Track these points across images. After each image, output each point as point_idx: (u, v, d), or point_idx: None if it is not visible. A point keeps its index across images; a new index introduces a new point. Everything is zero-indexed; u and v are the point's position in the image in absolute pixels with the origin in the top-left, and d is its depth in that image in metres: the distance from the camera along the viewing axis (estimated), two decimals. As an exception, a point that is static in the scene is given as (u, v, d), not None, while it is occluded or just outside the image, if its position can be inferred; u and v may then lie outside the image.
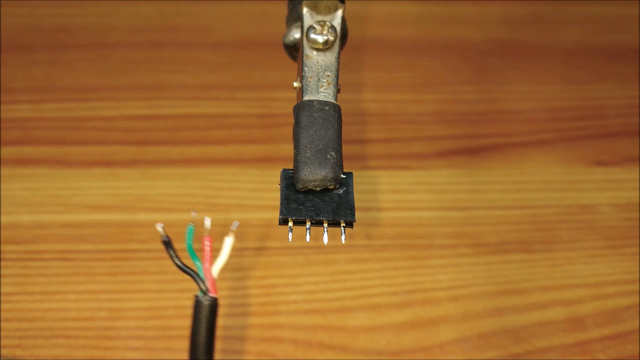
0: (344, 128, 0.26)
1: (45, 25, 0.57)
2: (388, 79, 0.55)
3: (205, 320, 0.20)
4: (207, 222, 0.20)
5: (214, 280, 0.20)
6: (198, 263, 0.20)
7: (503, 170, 0.49)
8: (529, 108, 0.54)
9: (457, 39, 0.59)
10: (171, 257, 0.20)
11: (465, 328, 0.41)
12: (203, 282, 0.20)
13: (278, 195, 0.26)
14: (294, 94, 0.31)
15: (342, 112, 0.26)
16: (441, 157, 0.50)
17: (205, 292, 0.20)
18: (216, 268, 0.20)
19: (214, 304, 0.20)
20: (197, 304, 0.20)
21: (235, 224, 0.21)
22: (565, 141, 0.52)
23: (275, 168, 0.48)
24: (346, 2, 0.27)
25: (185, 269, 0.20)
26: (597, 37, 0.60)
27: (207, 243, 0.20)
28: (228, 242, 0.20)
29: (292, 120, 0.27)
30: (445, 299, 0.42)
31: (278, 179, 0.47)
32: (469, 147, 0.51)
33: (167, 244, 0.21)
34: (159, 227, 0.21)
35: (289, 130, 0.50)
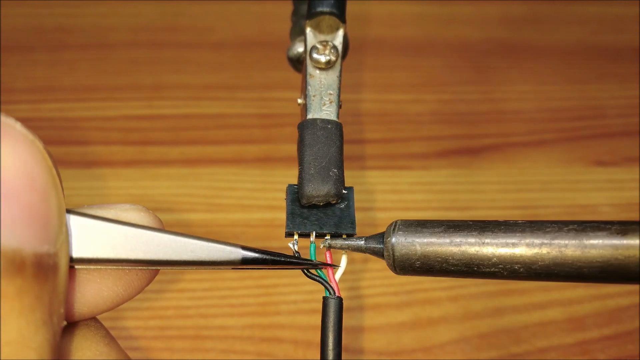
0: (345, 128, 0.27)
1: (45, 25, 0.57)
2: (388, 79, 0.55)
3: (334, 316, 0.24)
4: (328, 241, 0.25)
5: (337, 284, 0.25)
6: (321, 272, 0.24)
7: (503, 170, 0.49)
8: (529, 108, 0.54)
9: (457, 39, 0.59)
10: (302, 269, 0.24)
11: (465, 328, 0.41)
12: (330, 286, 0.24)
13: (278, 194, 0.26)
14: (294, 94, 0.31)
15: (341, 112, 0.27)
16: (441, 157, 0.50)
17: (332, 294, 0.24)
18: (337, 275, 0.25)
19: (340, 302, 0.24)
20: (327, 303, 0.24)
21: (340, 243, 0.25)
22: (565, 141, 0.52)
23: (275, 168, 0.48)
24: (349, 2, 0.28)
25: (314, 278, 0.24)
26: (597, 37, 0.60)
27: (327, 255, 0.25)
28: (344, 257, 0.25)
29: (292, 120, 0.28)
30: (445, 299, 0.42)
31: (278, 178, 0.47)
32: (469, 147, 0.51)
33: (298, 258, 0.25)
34: (291, 245, 0.25)
35: (289, 130, 0.50)
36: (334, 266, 0.24)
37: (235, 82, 0.54)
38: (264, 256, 0.22)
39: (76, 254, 0.19)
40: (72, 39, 0.56)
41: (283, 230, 0.25)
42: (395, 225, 0.23)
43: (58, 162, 0.18)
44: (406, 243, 0.23)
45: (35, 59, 0.54)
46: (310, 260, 0.24)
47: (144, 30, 0.57)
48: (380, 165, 0.49)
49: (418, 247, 0.23)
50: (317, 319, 0.24)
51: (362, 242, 0.25)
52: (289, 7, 0.33)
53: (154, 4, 0.59)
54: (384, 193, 0.47)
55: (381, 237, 0.24)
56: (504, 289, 0.43)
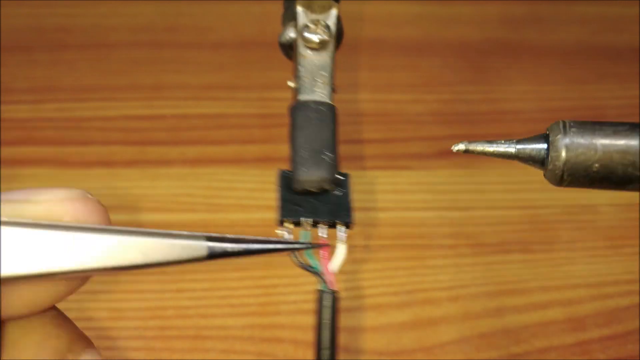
0: (343, 128, 0.26)
1: (45, 25, 0.57)
2: (388, 79, 0.55)
3: (328, 309, 0.22)
4: (323, 233, 0.23)
5: (333, 276, 0.23)
6: (315, 262, 0.23)
7: (503, 170, 0.49)
8: (529, 108, 0.54)
9: (457, 39, 0.59)
10: (296, 260, 0.23)
11: (465, 328, 0.41)
12: (323, 278, 0.23)
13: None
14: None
15: (341, 112, 0.26)
16: (441, 157, 0.50)
17: (326, 287, 0.23)
18: (335, 267, 0.23)
19: (333, 296, 0.22)
20: (320, 297, 0.22)
21: (342, 235, 0.23)
22: (565, 141, 0.52)
23: (275, 168, 0.48)
24: (346, 2, 0.27)
25: (308, 269, 0.22)
26: (597, 37, 0.60)
27: (323, 253, 0.23)
28: (342, 248, 0.23)
29: (292, 120, 0.27)
30: (445, 299, 0.42)
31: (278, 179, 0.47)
32: (469, 147, 0.51)
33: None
34: (283, 233, 0.23)
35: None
36: (324, 245, 0.22)
37: (235, 82, 0.54)
38: (236, 246, 0.18)
39: (3, 271, 0.16)
40: (72, 39, 0.56)
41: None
42: (564, 124, 0.19)
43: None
44: (584, 142, 0.19)
45: (35, 59, 0.54)
46: (296, 242, 0.22)
47: (144, 30, 0.57)
48: (380, 165, 0.49)
49: (599, 148, 0.19)
50: (317, 319, 0.24)
51: (513, 145, 0.20)
52: (289, 7, 0.33)
53: (154, 4, 0.59)
54: (384, 193, 0.47)
55: (542, 138, 0.20)
56: (504, 289, 0.43)
